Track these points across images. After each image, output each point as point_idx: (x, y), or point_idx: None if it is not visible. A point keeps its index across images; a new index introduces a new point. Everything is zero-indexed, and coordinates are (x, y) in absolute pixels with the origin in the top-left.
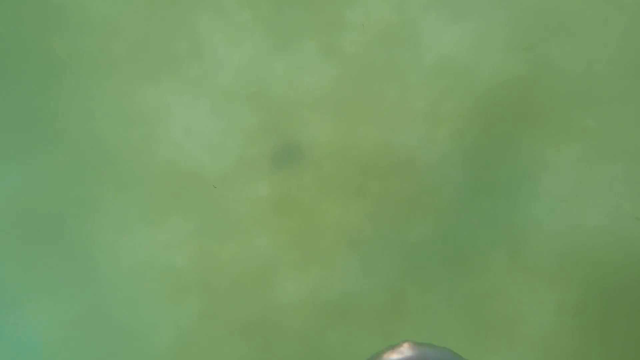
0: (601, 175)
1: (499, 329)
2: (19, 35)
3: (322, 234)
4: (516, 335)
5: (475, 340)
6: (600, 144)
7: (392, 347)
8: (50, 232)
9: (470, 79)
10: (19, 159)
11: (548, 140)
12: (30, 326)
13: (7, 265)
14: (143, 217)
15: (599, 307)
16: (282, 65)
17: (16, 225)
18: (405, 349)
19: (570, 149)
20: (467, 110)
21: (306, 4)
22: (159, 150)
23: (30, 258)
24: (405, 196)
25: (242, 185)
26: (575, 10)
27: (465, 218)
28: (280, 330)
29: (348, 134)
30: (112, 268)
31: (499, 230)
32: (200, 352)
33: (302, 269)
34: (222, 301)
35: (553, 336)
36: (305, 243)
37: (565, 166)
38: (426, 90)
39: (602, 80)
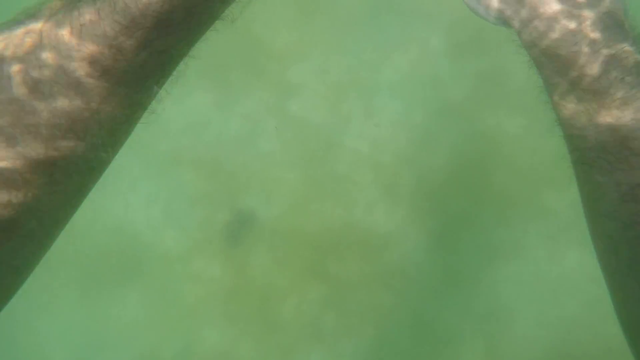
0: (572, 258)
1: None
2: None
3: (279, 325)
4: None
5: None
6: (569, 224)
7: None
8: None
9: (428, 150)
10: None
11: (514, 219)
12: None
13: None
14: (79, 298)
15: None
16: (230, 128)
17: None
18: None
19: (537, 229)
20: (426, 185)
21: (252, 65)
22: (97, 224)
23: None
24: (367, 279)
25: (189, 264)
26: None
27: (435, 304)
28: None
29: (302, 209)
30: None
31: (471, 319)
32: None
33: None
34: None
35: None
36: (260, 335)
37: (534, 248)
38: (383, 163)
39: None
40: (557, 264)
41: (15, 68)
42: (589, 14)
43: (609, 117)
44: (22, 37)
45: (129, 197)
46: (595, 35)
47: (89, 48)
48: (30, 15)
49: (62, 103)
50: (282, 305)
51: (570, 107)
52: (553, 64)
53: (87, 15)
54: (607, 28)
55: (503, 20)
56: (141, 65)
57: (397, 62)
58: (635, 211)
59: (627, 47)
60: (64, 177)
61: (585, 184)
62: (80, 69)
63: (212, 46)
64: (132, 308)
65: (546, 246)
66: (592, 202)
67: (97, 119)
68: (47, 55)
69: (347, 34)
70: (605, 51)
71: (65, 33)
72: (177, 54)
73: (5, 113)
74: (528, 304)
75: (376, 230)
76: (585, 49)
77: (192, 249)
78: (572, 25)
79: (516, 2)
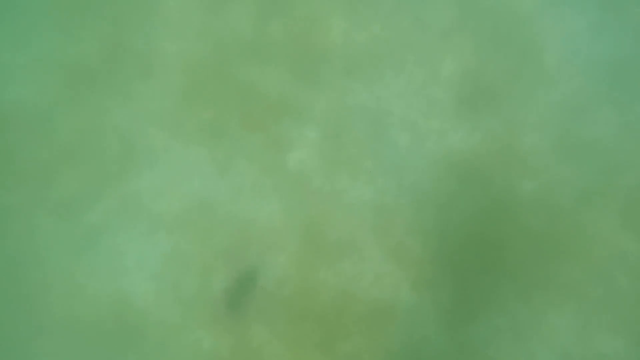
0: (601, 347)
1: None
2: None
3: None
4: None
5: None
6: (596, 307)
7: None
8: None
9: (436, 213)
10: None
11: (534, 294)
12: None
13: None
14: None
15: None
16: (225, 189)
17: None
18: None
19: (560, 310)
20: (436, 253)
21: (246, 121)
22: (83, 288)
23: None
24: (375, 356)
25: (181, 335)
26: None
27: None
28: None
29: (303, 278)
30: None
31: None
32: None
33: None
34: None
35: None
36: None
37: (557, 331)
38: (389, 228)
39: (594, 221)
40: (585, 347)
41: None
42: None
43: None
44: None
45: (120, 261)
46: None
47: None
48: None
49: None
50: None
51: None
52: None
53: None
54: None
55: None
56: None
57: (399, 116)
58: None
59: None
60: None
61: None
62: None
63: (207, 98)
64: None
65: (571, 327)
66: None
67: None
68: None
69: (348, 85)
70: None
71: None
72: None
73: None
74: None
75: (383, 302)
76: None
77: (187, 318)
78: None
79: None
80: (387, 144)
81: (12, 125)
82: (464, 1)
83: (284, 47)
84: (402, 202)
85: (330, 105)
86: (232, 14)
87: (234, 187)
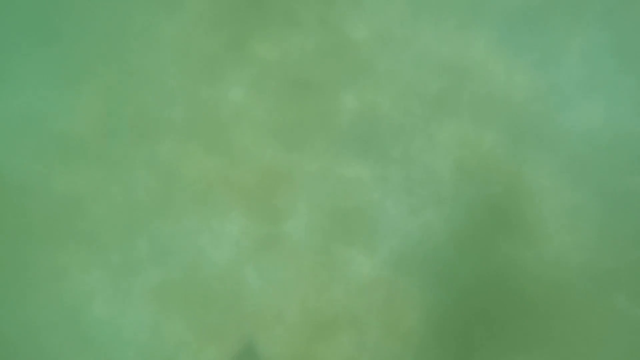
0: None
1: None
2: None
3: None
4: None
5: None
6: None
7: None
8: None
9: (436, 289)
10: None
11: (520, 354)
12: None
13: None
14: None
15: None
16: (218, 261)
17: None
18: None
19: None
20: (436, 328)
21: (239, 190)
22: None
23: None
24: None
25: None
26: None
27: None
28: None
29: (301, 354)
30: None
31: None
32: None
33: None
34: None
35: None
36: None
37: None
38: (388, 301)
39: (570, 283)
40: None
41: None
42: None
43: None
44: None
45: (111, 339)
46: None
47: None
48: None
49: None
50: None
51: None
52: None
53: None
54: None
55: None
56: None
57: (397, 187)
58: None
59: None
60: None
61: None
62: None
63: (199, 167)
64: None
65: None
66: None
67: None
68: None
69: (341, 154)
70: None
71: None
72: None
73: None
74: None
75: None
76: None
77: None
78: None
79: None
80: (384, 213)
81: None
82: None
83: (275, 117)
84: (399, 274)
85: (324, 175)
86: (225, 84)
87: (228, 260)
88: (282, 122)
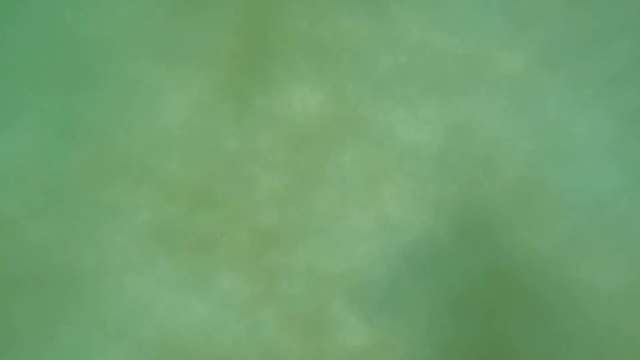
0: None
1: None
2: None
3: None
4: None
5: None
6: None
7: None
8: None
9: (425, 347)
10: None
11: None
12: None
13: None
14: None
15: None
16: (204, 310)
17: None
18: None
19: None
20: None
21: (232, 248)
22: None
23: None
24: None
25: None
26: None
27: None
28: None
29: None
30: None
31: None
32: None
33: None
34: None
35: None
36: None
37: None
38: (391, 353)
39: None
40: None
41: None
42: None
43: None
44: None
45: None
46: None
47: None
48: None
49: None
50: None
51: None
52: None
53: None
54: None
55: None
56: None
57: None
58: None
59: None
60: None
61: None
62: None
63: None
64: None
65: None
66: None
67: None
68: None
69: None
70: None
71: None
72: None
73: None
74: None
75: None
76: None
77: None
78: None
79: None
80: (380, 273)
81: None
82: None
83: (272, 162)
84: (397, 340)
85: (316, 233)
86: (218, 133)
87: (221, 318)
88: (280, 178)
